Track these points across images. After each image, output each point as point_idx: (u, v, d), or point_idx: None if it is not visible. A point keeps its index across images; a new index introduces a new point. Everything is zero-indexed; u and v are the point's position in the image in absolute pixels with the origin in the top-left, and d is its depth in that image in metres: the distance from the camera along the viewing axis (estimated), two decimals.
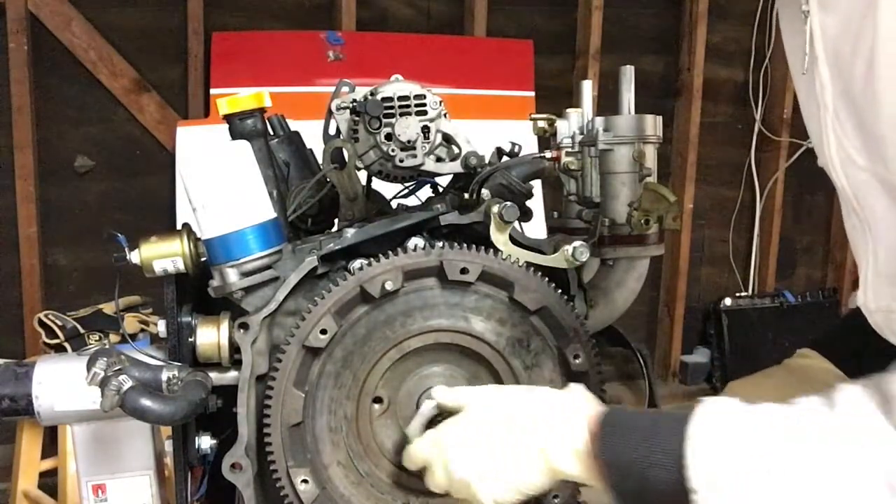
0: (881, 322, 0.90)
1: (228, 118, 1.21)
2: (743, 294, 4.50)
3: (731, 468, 0.81)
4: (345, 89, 1.24)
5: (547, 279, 1.11)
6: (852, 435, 0.78)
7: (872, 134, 0.80)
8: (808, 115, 0.94)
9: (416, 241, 1.12)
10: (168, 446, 1.16)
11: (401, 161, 1.21)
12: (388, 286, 1.06)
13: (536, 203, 1.24)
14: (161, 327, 1.12)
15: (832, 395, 0.82)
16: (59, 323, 2.65)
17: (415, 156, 1.21)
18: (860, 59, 0.79)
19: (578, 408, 0.96)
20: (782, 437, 0.81)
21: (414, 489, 1.12)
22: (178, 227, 1.15)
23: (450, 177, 1.30)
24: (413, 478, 1.12)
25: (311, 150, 1.30)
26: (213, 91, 3.41)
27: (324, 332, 1.06)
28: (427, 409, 1.07)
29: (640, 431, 0.89)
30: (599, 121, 1.24)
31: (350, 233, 1.14)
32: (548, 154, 1.29)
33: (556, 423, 0.95)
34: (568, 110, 1.30)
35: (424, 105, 1.21)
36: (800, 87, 0.95)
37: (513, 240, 1.14)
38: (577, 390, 1.00)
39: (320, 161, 1.24)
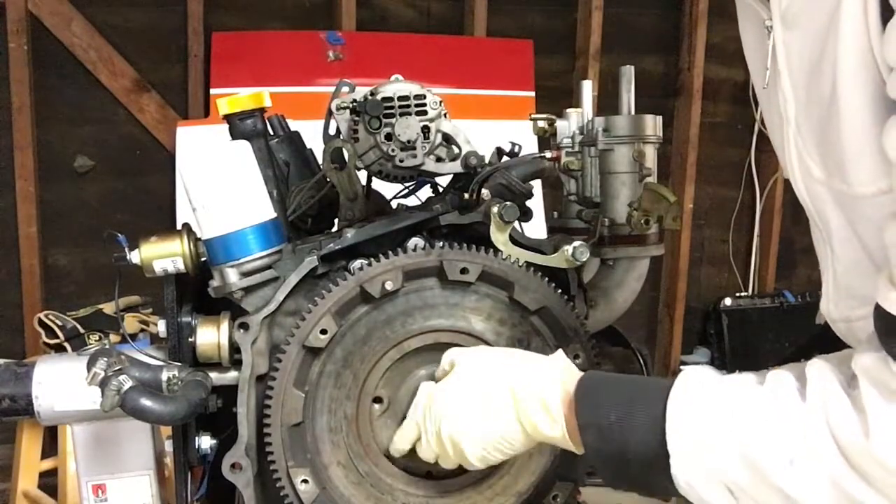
0: (844, 330, 0.93)
1: (228, 118, 1.21)
2: (743, 294, 4.50)
3: (707, 436, 0.83)
4: (345, 89, 1.24)
5: (547, 279, 1.11)
6: (817, 419, 0.79)
7: (832, 148, 0.81)
8: (770, 127, 0.96)
9: (416, 241, 1.12)
10: (168, 446, 1.16)
11: (401, 161, 1.21)
12: (388, 286, 1.06)
13: (536, 203, 1.24)
14: (161, 327, 1.12)
15: (804, 375, 0.83)
16: (59, 323, 2.65)
17: (415, 156, 1.21)
18: (824, 76, 0.80)
19: (557, 371, 0.98)
20: (755, 414, 0.83)
21: (414, 489, 1.12)
22: (178, 227, 1.15)
23: (450, 177, 1.30)
24: (413, 477, 1.12)
25: (311, 150, 1.30)
26: (213, 91, 3.41)
27: (324, 332, 1.06)
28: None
29: (620, 396, 0.91)
30: (599, 121, 1.24)
31: (350, 233, 1.14)
32: (548, 154, 1.29)
33: (534, 386, 0.97)
34: (568, 110, 1.30)
35: (424, 105, 1.21)
36: (762, 98, 0.96)
37: (513, 240, 1.14)
38: (558, 356, 1.02)
39: (320, 161, 1.24)
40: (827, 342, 0.97)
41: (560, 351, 1.03)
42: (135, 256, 1.11)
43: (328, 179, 1.21)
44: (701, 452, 0.83)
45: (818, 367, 0.83)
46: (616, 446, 0.89)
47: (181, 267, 1.12)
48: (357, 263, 1.10)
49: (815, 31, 0.81)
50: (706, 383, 0.88)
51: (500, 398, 0.98)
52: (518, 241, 1.15)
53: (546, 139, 1.34)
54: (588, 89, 1.32)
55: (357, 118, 1.21)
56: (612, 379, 0.97)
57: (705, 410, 0.85)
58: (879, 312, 0.76)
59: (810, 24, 0.82)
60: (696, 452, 0.84)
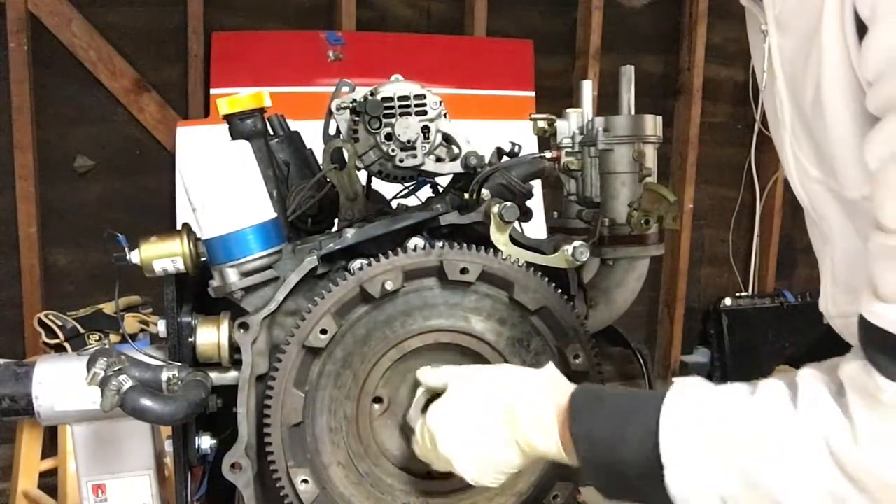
0: (840, 326, 0.94)
1: (228, 118, 1.21)
2: (743, 294, 4.50)
3: (701, 447, 0.84)
4: (345, 89, 1.24)
5: (547, 279, 1.11)
6: (810, 428, 0.80)
7: (823, 150, 0.84)
8: (772, 128, 0.97)
9: (416, 241, 1.12)
10: (168, 446, 1.16)
11: (401, 161, 1.21)
12: (388, 286, 1.06)
13: (536, 203, 1.24)
14: (161, 327, 1.12)
15: (796, 384, 0.84)
16: (59, 323, 2.65)
17: (415, 156, 1.21)
18: (810, 80, 0.82)
19: (550, 385, 0.98)
20: (748, 423, 0.83)
21: (414, 489, 1.12)
22: (178, 227, 1.15)
23: (450, 177, 1.30)
24: (413, 477, 1.12)
25: (311, 150, 1.30)
26: (213, 91, 3.41)
27: (324, 332, 1.06)
28: (419, 395, 1.08)
29: (612, 409, 0.92)
30: (599, 121, 1.25)
31: (350, 233, 1.14)
32: (548, 154, 1.29)
33: (528, 403, 0.97)
34: (568, 110, 1.30)
35: (424, 105, 1.21)
36: (765, 100, 0.99)
37: (513, 240, 1.14)
38: (549, 370, 1.02)
39: (320, 161, 1.24)
40: (835, 342, 0.97)
41: (551, 364, 1.03)
42: (135, 256, 1.11)
43: (328, 179, 1.22)
44: (695, 464, 0.84)
45: (808, 376, 0.83)
46: (610, 458, 0.89)
47: (181, 267, 1.12)
48: (357, 263, 1.10)
49: (801, 37, 0.83)
50: (699, 395, 0.88)
51: (494, 417, 0.97)
52: (518, 241, 1.15)
53: (546, 139, 1.34)
54: (588, 89, 1.32)
55: (357, 118, 1.21)
56: (604, 391, 0.97)
57: (699, 422, 0.85)
58: (862, 323, 0.77)
59: (797, 30, 0.84)
60: (689, 464, 0.84)
